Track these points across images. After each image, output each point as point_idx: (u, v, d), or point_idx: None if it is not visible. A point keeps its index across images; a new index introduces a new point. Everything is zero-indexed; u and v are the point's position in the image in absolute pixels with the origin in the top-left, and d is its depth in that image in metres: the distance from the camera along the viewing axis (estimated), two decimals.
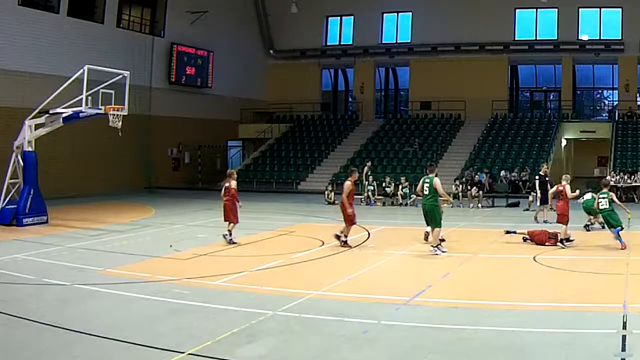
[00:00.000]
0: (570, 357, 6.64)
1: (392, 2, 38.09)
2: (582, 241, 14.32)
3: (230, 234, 14.44)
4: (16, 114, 21.28)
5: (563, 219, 13.90)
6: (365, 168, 25.18)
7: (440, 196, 13.11)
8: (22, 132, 18.02)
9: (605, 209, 14.03)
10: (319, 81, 40.59)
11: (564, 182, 14.67)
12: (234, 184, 14.80)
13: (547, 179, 19.47)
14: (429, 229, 13.48)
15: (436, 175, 13.26)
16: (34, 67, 25.23)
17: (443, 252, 12.84)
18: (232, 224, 14.50)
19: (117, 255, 12.97)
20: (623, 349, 6.82)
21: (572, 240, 13.81)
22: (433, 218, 12.94)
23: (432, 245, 12.96)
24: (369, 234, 15.87)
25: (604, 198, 14.20)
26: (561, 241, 13.63)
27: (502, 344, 7.13)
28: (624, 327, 7.55)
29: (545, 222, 17.99)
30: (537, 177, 20.25)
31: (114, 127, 17.55)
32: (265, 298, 9.27)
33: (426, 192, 12.96)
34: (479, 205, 23.44)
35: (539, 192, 19.28)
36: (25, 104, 21.46)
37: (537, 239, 14.02)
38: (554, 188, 14.69)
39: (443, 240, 13.69)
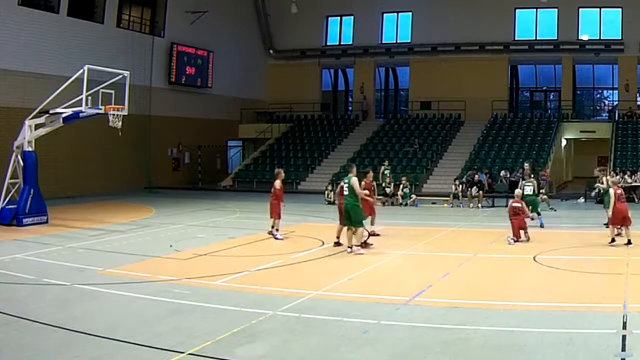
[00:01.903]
0: (570, 357, 6.64)
1: (392, 2, 38.08)
2: (581, 241, 14.33)
3: (277, 230, 15.11)
4: (16, 114, 21.30)
5: (627, 220, 13.72)
6: (382, 168, 25.19)
7: (359, 196, 13.17)
8: (22, 132, 18.02)
9: (529, 194, 16.35)
10: (319, 81, 40.59)
11: (615, 186, 14.28)
12: (277, 183, 15.53)
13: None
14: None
15: (355, 176, 13.36)
16: (34, 67, 25.22)
17: (361, 253, 12.84)
18: (275, 220, 15.12)
19: (117, 255, 12.98)
20: (623, 349, 6.82)
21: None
22: (354, 217, 12.94)
23: (352, 245, 12.88)
24: (369, 234, 15.86)
25: (529, 185, 16.69)
26: (628, 242, 13.44)
27: (502, 344, 7.13)
28: (624, 327, 7.55)
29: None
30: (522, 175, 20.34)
31: (114, 127, 17.55)
32: (265, 298, 9.27)
33: (346, 192, 13.08)
34: (479, 205, 23.44)
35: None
36: (25, 104, 21.49)
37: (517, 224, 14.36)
38: (613, 193, 13.92)
39: (377, 235, 14.56)
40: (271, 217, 15.23)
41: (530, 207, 15.80)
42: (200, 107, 35.01)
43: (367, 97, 39.20)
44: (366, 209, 14.05)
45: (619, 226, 13.93)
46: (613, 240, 13.67)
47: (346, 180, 13.24)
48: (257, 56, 39.54)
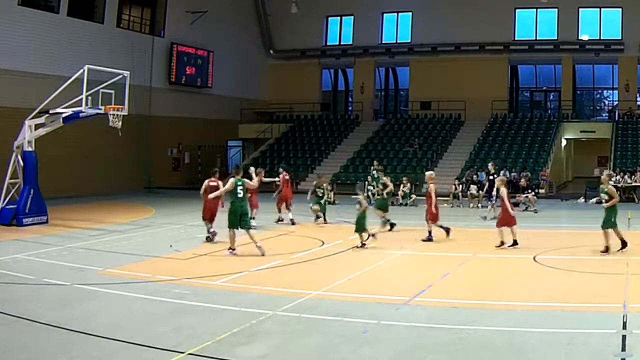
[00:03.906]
0: (570, 357, 6.64)
1: (392, 2, 38.09)
2: (581, 241, 14.33)
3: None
4: (16, 114, 21.27)
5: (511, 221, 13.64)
6: (372, 168, 25.21)
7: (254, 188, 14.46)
8: (22, 132, 18.03)
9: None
10: (319, 81, 40.60)
11: (504, 185, 14.18)
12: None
13: (491, 177, 19.69)
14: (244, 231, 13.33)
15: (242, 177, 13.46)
16: (33, 67, 25.22)
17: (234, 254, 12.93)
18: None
19: (117, 255, 12.98)
20: (623, 349, 6.82)
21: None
22: (247, 220, 13.08)
23: (236, 249, 12.91)
24: (369, 234, 15.85)
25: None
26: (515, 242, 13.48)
27: (502, 344, 7.13)
28: (624, 327, 7.55)
29: (487, 218, 18.69)
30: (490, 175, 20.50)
31: (113, 127, 17.57)
32: (265, 298, 9.27)
33: (240, 195, 13.06)
34: (479, 205, 23.42)
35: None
36: (25, 104, 21.47)
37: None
38: (505, 192, 13.86)
39: None
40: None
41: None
42: (200, 107, 35.00)
43: (370, 96, 39.20)
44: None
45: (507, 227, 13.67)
46: (502, 243, 13.50)
47: (240, 183, 13.10)
48: (257, 56, 39.54)
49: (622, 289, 9.59)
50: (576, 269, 11.34)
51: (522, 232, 16.59)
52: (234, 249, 12.89)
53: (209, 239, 14.53)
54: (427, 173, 15.71)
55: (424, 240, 14.49)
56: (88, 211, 21.61)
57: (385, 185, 17.52)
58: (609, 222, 12.75)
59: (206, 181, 14.69)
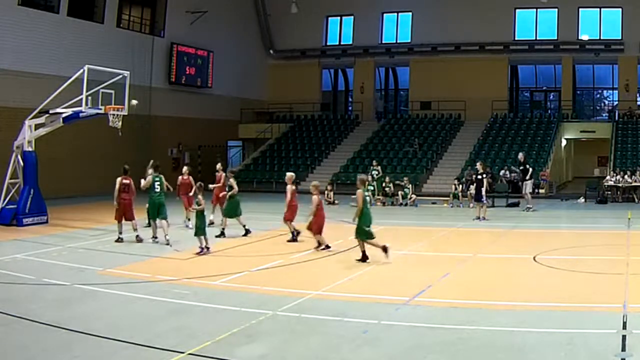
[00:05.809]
0: (570, 357, 6.64)
1: (392, 2, 38.10)
2: (581, 241, 14.33)
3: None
4: (16, 114, 21.29)
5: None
6: (371, 169, 25.29)
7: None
8: (22, 132, 18.04)
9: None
10: (319, 81, 40.59)
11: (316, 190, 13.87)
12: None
13: (479, 177, 19.76)
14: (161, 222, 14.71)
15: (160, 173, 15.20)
16: (34, 67, 25.21)
17: (168, 244, 14.09)
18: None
19: (117, 255, 12.99)
20: (623, 349, 6.81)
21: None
22: (164, 211, 14.76)
23: (158, 237, 14.38)
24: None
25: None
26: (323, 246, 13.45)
27: (502, 344, 7.13)
28: (624, 327, 7.55)
29: (479, 219, 18.75)
30: (475, 175, 20.54)
31: (114, 127, 17.59)
32: (265, 298, 9.27)
33: (157, 190, 14.89)
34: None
35: (473, 190, 19.73)
36: (25, 104, 21.47)
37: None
38: (317, 200, 13.72)
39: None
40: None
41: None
42: (200, 107, 35.00)
43: (370, 96, 39.22)
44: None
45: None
46: (325, 246, 13.45)
47: (157, 178, 14.94)
48: (257, 56, 39.53)
49: (622, 289, 9.58)
50: (576, 269, 11.34)
51: (523, 232, 16.67)
52: (156, 237, 14.43)
53: (138, 238, 14.92)
54: (288, 174, 15.76)
55: (289, 241, 14.57)
56: (88, 211, 21.60)
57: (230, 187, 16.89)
58: (361, 231, 12.01)
59: (118, 179, 15.40)
